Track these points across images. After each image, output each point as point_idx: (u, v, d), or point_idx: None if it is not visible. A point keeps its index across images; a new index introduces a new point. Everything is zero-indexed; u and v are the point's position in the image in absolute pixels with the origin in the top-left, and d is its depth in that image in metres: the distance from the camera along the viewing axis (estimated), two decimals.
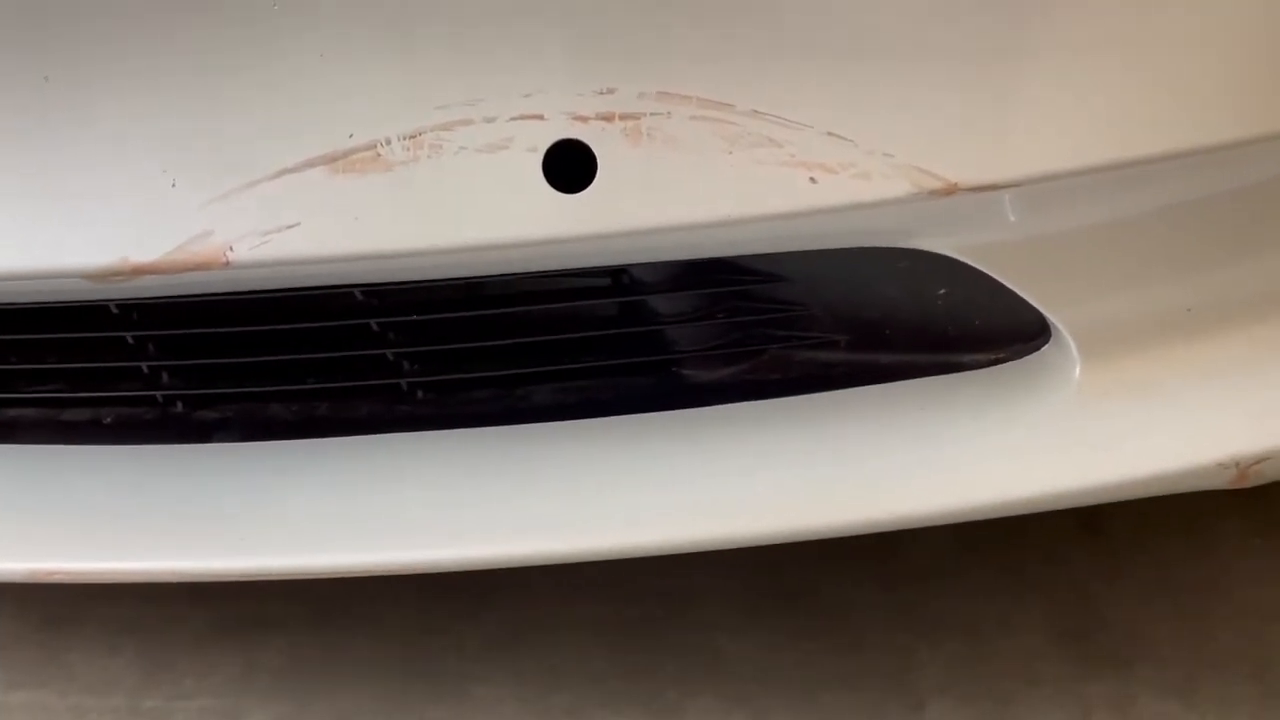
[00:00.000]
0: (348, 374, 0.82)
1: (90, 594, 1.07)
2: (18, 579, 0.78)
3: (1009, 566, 1.05)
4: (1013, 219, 0.69)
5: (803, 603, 1.04)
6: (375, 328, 0.80)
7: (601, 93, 0.65)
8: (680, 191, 0.66)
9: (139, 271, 0.67)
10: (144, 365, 0.82)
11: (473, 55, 0.65)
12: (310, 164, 0.66)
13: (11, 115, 0.67)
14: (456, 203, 0.66)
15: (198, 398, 0.83)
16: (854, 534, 0.76)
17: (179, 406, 0.83)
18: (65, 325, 0.81)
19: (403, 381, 0.82)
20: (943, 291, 0.78)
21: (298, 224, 0.66)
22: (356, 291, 0.78)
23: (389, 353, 0.81)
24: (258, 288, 0.72)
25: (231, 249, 0.66)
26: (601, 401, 0.81)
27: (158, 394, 0.83)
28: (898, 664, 0.99)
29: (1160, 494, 0.77)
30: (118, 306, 0.79)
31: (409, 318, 0.79)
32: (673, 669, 0.99)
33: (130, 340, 0.81)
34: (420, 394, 0.82)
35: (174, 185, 0.66)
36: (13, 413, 0.86)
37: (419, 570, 0.75)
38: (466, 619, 1.04)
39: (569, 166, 0.66)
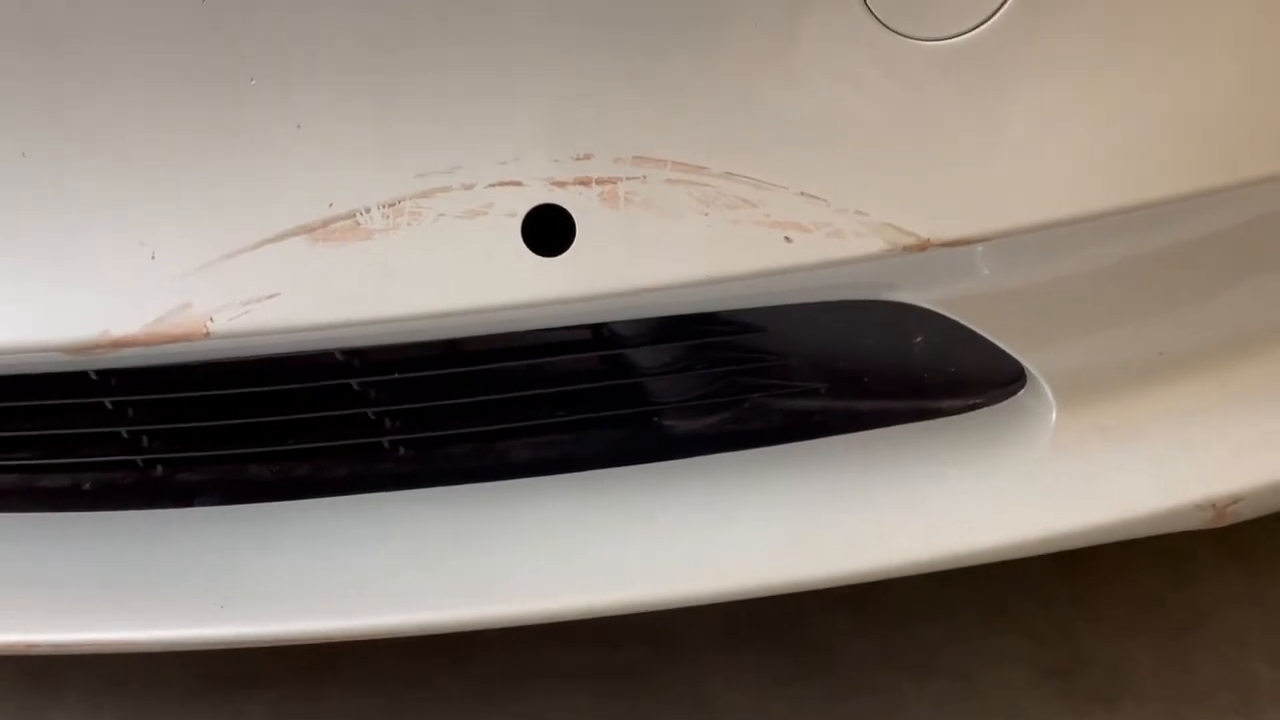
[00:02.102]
0: (328, 434, 0.82)
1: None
2: None
3: (992, 604, 1.06)
4: (986, 271, 0.70)
5: (789, 645, 1.04)
6: (356, 387, 0.80)
7: (578, 158, 0.66)
8: (658, 253, 0.66)
9: (119, 345, 0.67)
10: (123, 430, 0.81)
11: (450, 123, 0.65)
12: (290, 233, 0.66)
13: None
14: (437, 269, 0.66)
15: (178, 461, 0.82)
16: (836, 585, 0.77)
17: (159, 470, 0.83)
18: (42, 391, 0.81)
19: (384, 440, 0.82)
20: (919, 339, 0.78)
21: (278, 294, 0.66)
22: (336, 352, 0.78)
23: (370, 411, 0.81)
24: (239, 356, 0.72)
25: (212, 320, 0.66)
26: (583, 455, 0.81)
27: (137, 458, 0.82)
28: (885, 704, 0.99)
29: (1138, 536, 0.78)
30: (96, 372, 0.78)
31: (389, 376, 0.79)
32: (660, 716, 0.99)
33: (109, 405, 0.80)
34: (402, 451, 0.82)
35: (153, 257, 0.66)
36: None
37: (403, 634, 0.75)
38: (450, 670, 1.03)
39: (548, 231, 0.67)
